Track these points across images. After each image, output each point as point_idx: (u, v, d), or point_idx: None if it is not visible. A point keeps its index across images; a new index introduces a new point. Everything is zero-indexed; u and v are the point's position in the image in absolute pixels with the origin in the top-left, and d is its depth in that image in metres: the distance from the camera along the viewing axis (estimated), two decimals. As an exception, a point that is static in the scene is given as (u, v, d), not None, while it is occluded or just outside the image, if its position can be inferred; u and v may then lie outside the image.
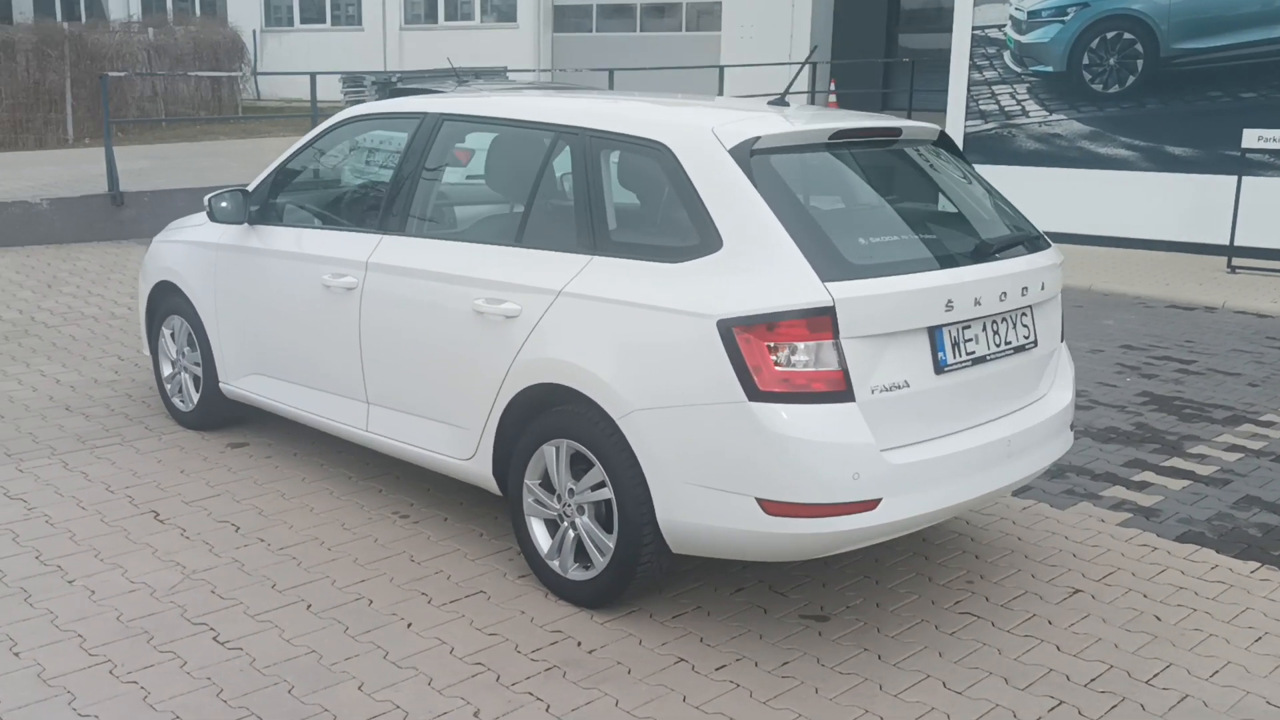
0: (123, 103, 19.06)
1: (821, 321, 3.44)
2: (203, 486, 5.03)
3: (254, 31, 25.74)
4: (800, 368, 3.46)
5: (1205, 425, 6.25)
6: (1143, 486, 5.33)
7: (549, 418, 3.98)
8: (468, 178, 4.57)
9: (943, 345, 3.69)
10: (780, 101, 4.31)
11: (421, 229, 4.54)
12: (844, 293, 3.46)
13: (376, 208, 4.74)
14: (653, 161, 3.89)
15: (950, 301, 3.65)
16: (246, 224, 5.22)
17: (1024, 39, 12.53)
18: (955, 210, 4.13)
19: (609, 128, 4.04)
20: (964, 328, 3.76)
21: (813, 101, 16.96)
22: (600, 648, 3.77)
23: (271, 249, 5.09)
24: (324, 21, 26.60)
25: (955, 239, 3.91)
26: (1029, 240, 4.15)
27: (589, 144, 4.06)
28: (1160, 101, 11.74)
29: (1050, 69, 12.36)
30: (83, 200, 10.71)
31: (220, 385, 5.48)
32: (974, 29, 12.88)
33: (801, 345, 3.46)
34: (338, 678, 3.54)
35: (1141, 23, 11.77)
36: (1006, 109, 12.73)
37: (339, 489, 5.04)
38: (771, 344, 3.45)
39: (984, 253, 3.85)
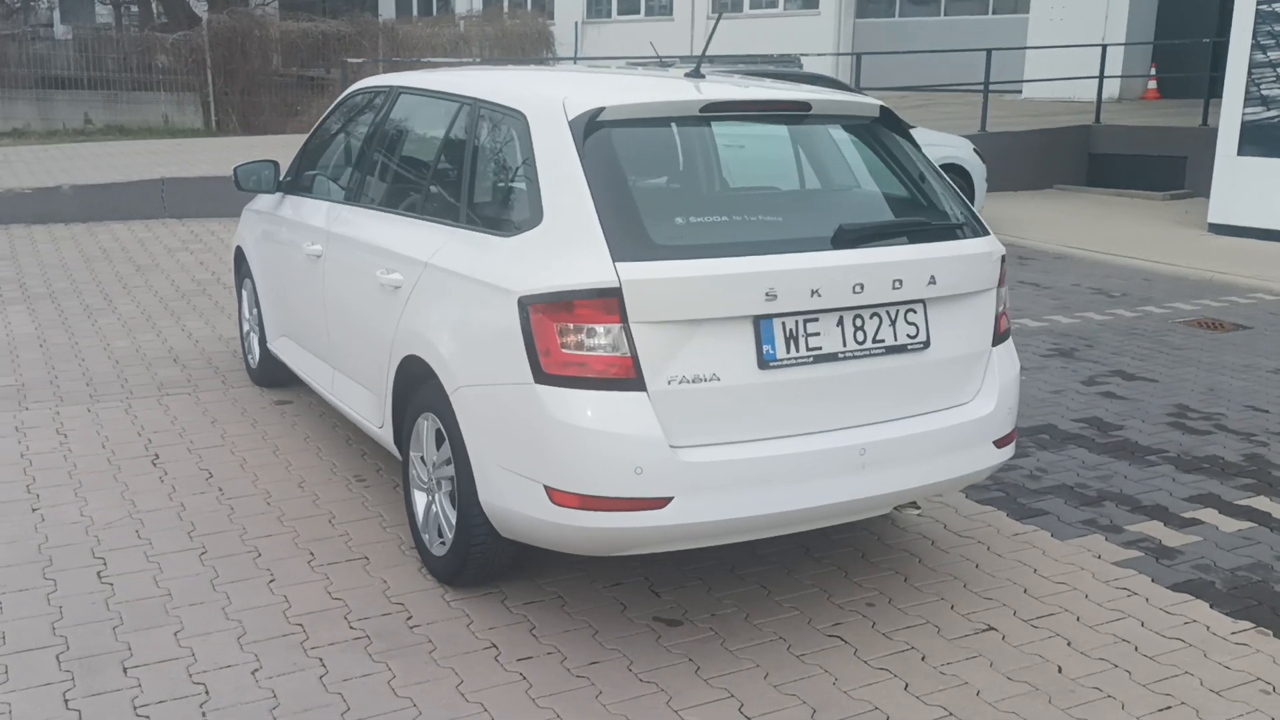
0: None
1: (609, 303, 3.22)
2: (216, 436, 5.39)
3: (576, 23, 26.89)
4: (587, 351, 3.25)
5: (1339, 463, 5.27)
6: (1187, 525, 4.58)
7: (423, 391, 3.96)
8: (407, 149, 4.60)
9: (770, 338, 3.33)
10: (695, 74, 4.05)
11: (366, 199, 4.63)
12: (634, 274, 3.21)
13: (347, 178, 4.89)
14: (513, 131, 3.78)
15: (772, 290, 3.29)
16: (280, 194, 5.52)
17: (1319, 14, 10.94)
18: (842, 192, 3.71)
19: (488, 98, 3.95)
20: (807, 320, 3.38)
21: (1101, 87, 15.52)
22: (427, 624, 3.72)
23: (285, 218, 5.37)
24: (638, 13, 27.40)
25: (811, 223, 3.51)
26: (937, 230, 3.65)
27: (473, 114, 3.99)
28: None
29: (1348, 48, 10.74)
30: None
31: (268, 345, 5.85)
32: (1259, 4, 11.39)
33: (600, 328, 3.25)
34: (167, 622, 3.70)
35: None
36: (1293, 95, 11.17)
37: (329, 449, 5.24)
38: (565, 325, 3.26)
39: (841, 240, 3.42)
